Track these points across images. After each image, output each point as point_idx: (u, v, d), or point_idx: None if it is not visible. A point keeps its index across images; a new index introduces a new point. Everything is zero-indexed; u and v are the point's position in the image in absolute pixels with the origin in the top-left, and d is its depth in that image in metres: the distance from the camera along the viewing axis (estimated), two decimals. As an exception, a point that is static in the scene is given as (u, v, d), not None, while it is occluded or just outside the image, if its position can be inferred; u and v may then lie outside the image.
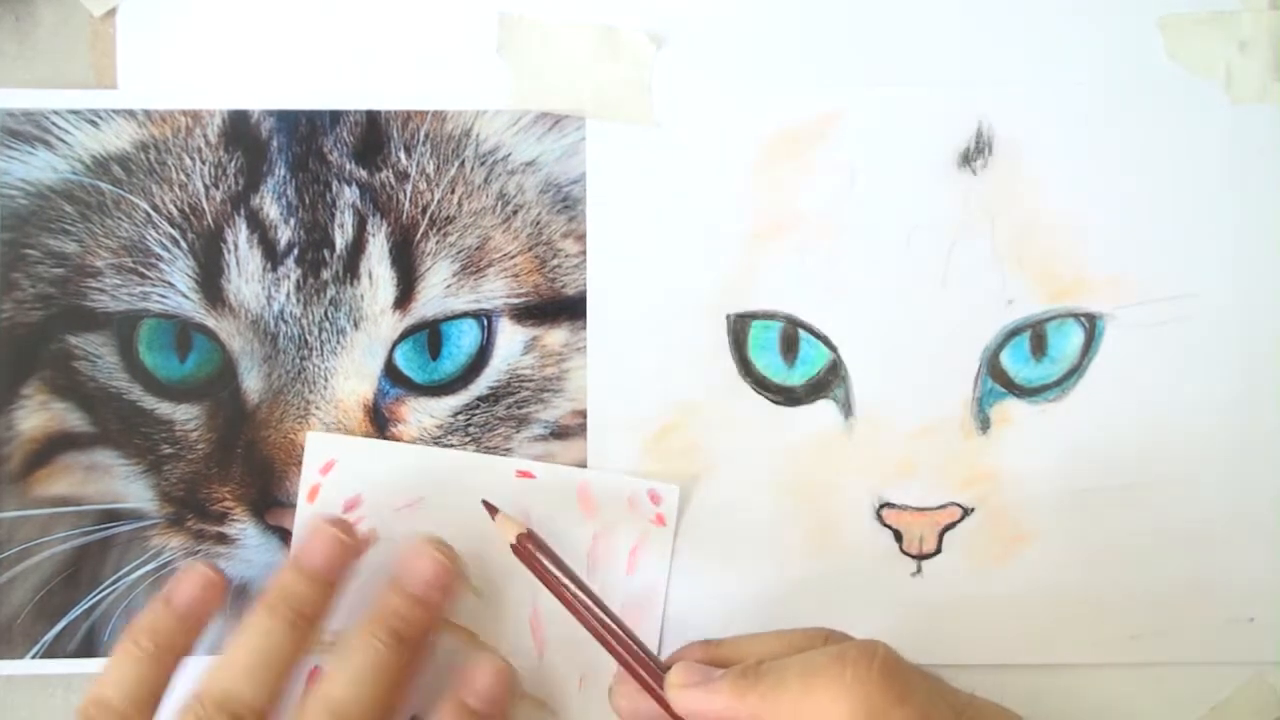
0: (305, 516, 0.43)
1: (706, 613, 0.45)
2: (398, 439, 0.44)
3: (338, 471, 0.44)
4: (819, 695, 0.34)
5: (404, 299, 0.44)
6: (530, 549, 0.40)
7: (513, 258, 0.44)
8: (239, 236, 0.43)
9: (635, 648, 0.39)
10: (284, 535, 0.44)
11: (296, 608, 0.39)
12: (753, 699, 0.36)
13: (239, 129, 0.44)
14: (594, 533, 0.44)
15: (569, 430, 0.45)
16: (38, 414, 0.44)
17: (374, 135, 0.44)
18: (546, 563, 0.40)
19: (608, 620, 0.40)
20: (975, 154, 0.45)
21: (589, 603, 0.40)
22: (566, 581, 0.40)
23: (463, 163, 0.44)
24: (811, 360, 0.45)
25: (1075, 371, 0.45)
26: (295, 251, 0.44)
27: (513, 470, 0.44)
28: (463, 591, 0.43)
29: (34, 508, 0.44)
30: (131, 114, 0.43)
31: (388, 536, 0.43)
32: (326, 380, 0.44)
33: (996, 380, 0.45)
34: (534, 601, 0.44)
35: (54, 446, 0.44)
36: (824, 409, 0.45)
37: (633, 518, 0.44)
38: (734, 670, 0.37)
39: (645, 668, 0.39)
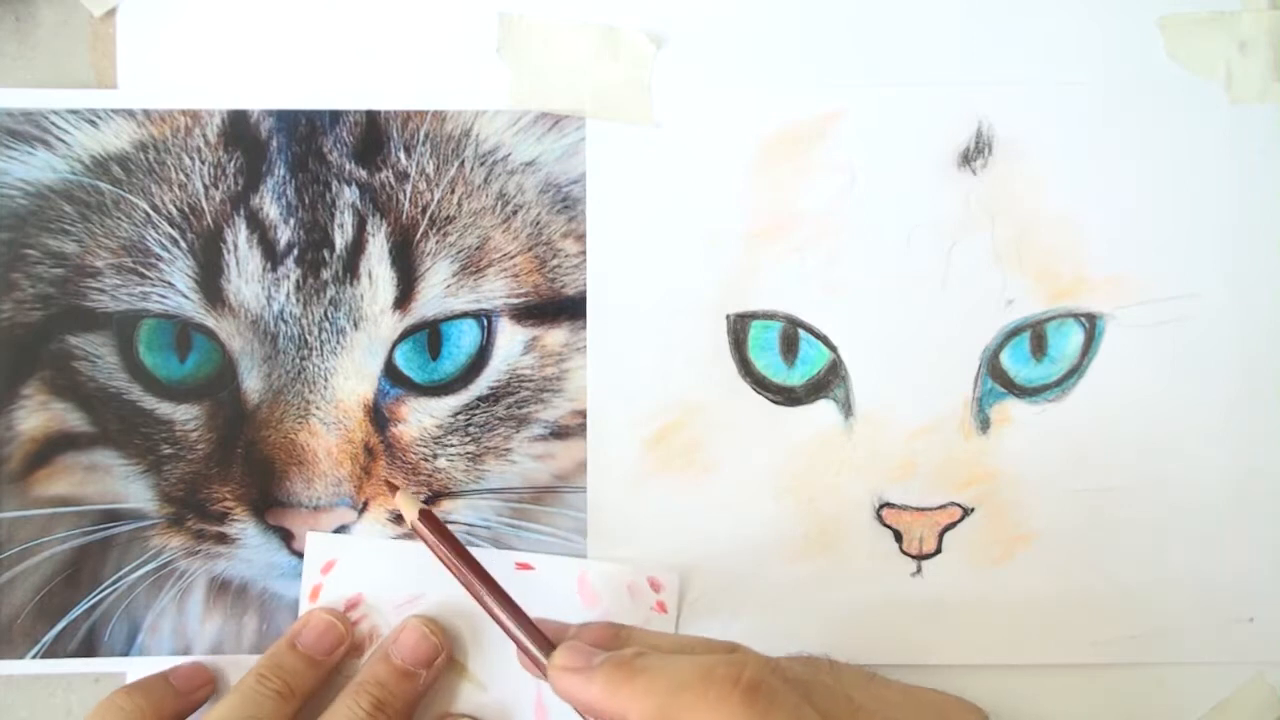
0: (305, 610, 0.44)
1: (708, 616, 0.45)
2: (398, 439, 0.44)
3: (338, 571, 0.44)
4: (682, 709, 0.34)
5: (404, 299, 0.44)
6: (428, 526, 0.41)
7: (513, 258, 0.44)
8: (239, 236, 0.43)
9: (525, 625, 0.39)
10: (284, 535, 0.44)
11: (285, 679, 0.41)
12: (623, 694, 0.35)
13: (239, 129, 0.44)
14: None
15: (569, 430, 0.45)
16: (38, 414, 0.44)
17: (374, 135, 0.44)
18: (445, 538, 0.41)
19: (498, 598, 0.40)
20: (975, 154, 0.45)
21: (478, 580, 0.40)
22: (460, 561, 0.40)
23: (463, 163, 0.44)
24: (811, 360, 0.45)
25: (1075, 371, 0.45)
26: (295, 251, 0.44)
27: (511, 563, 0.44)
28: (464, 683, 0.44)
29: (34, 508, 0.44)
30: (131, 114, 0.43)
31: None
32: (326, 380, 0.44)
33: (996, 380, 0.45)
34: (537, 692, 0.44)
35: (54, 446, 0.44)
36: (824, 409, 0.45)
37: (634, 606, 0.44)
38: (611, 660, 0.36)
39: (536, 645, 0.39)
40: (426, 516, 0.41)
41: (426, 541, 0.41)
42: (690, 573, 0.45)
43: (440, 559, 0.41)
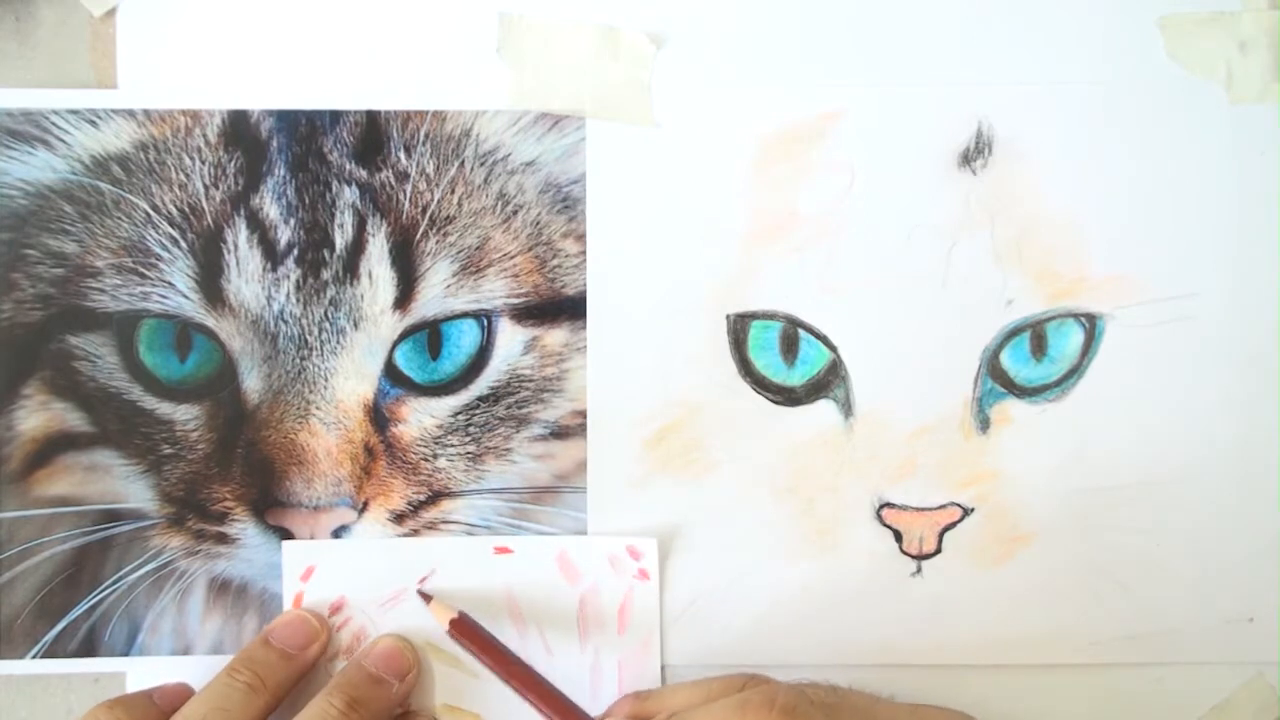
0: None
1: (708, 616, 0.45)
2: (398, 439, 0.44)
3: (319, 576, 0.44)
4: None
5: (404, 299, 0.44)
6: (463, 631, 0.43)
7: (513, 258, 0.44)
8: (239, 236, 0.43)
9: (569, 709, 0.42)
10: (284, 535, 0.44)
11: (256, 671, 0.41)
12: None
13: (239, 129, 0.44)
14: (580, 597, 0.44)
15: (569, 430, 0.45)
16: (38, 414, 0.44)
17: (374, 135, 0.44)
18: (482, 640, 0.43)
19: (541, 686, 0.42)
20: (975, 154, 0.45)
21: (520, 671, 0.42)
22: (498, 658, 0.43)
23: (463, 163, 0.44)
24: (811, 360, 0.45)
25: (1075, 371, 0.45)
26: (295, 251, 0.44)
27: (490, 548, 0.44)
28: (456, 673, 0.44)
29: (34, 508, 0.44)
30: (131, 114, 0.43)
31: (376, 634, 0.44)
32: (327, 380, 0.44)
33: (996, 380, 0.45)
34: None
35: (54, 446, 0.44)
36: (824, 409, 0.45)
37: (616, 576, 0.44)
38: None
39: None
40: (458, 624, 0.43)
41: (464, 645, 0.43)
42: (690, 573, 0.45)
43: (479, 657, 0.43)
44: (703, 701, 0.41)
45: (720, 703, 0.39)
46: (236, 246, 0.43)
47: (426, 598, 0.43)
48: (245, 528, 0.44)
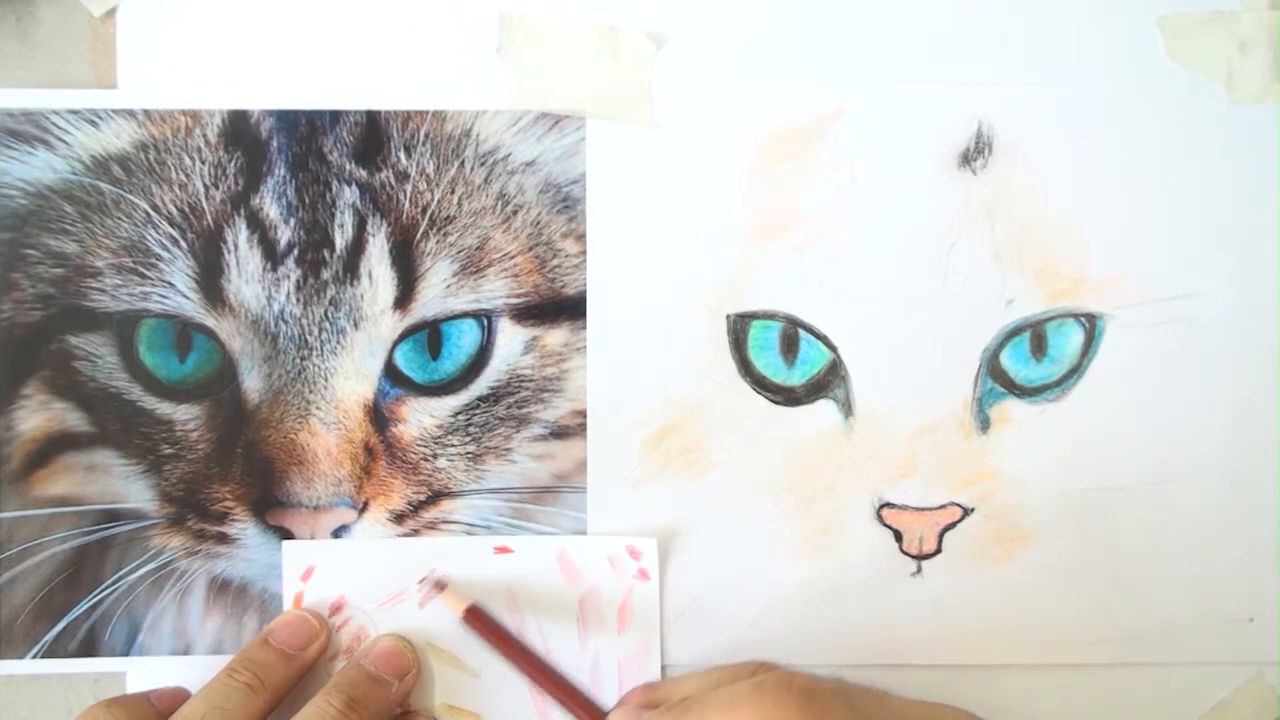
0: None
1: (708, 616, 0.45)
2: (398, 439, 0.44)
3: (319, 576, 0.44)
4: None
5: (404, 299, 0.44)
6: (477, 621, 0.43)
7: (513, 258, 0.44)
8: (239, 236, 0.44)
9: (580, 699, 0.43)
10: (284, 535, 0.44)
11: (255, 672, 0.41)
12: None
13: (239, 129, 0.44)
14: (580, 597, 0.44)
15: (569, 430, 0.45)
16: (38, 414, 0.44)
17: (374, 135, 0.44)
18: (495, 630, 0.44)
19: (553, 677, 0.43)
20: (975, 154, 0.45)
21: (534, 661, 0.43)
22: (515, 646, 0.44)
23: (463, 163, 0.44)
24: (811, 360, 0.45)
25: (1075, 371, 0.45)
26: (295, 251, 0.44)
27: (490, 548, 0.44)
28: (457, 673, 0.44)
29: (34, 508, 0.44)
30: (131, 114, 0.43)
31: (376, 634, 0.44)
32: (327, 380, 0.44)
33: (996, 380, 0.45)
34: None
35: (54, 446, 0.44)
36: (824, 409, 0.45)
37: (616, 576, 0.44)
38: (661, 710, 0.40)
39: (590, 716, 0.43)
40: (473, 613, 0.43)
41: (478, 634, 0.43)
42: (690, 573, 0.45)
43: (492, 646, 0.43)
44: (714, 687, 0.41)
45: (736, 685, 0.39)
46: (236, 246, 0.43)
47: (440, 586, 0.44)
48: (245, 528, 0.44)
